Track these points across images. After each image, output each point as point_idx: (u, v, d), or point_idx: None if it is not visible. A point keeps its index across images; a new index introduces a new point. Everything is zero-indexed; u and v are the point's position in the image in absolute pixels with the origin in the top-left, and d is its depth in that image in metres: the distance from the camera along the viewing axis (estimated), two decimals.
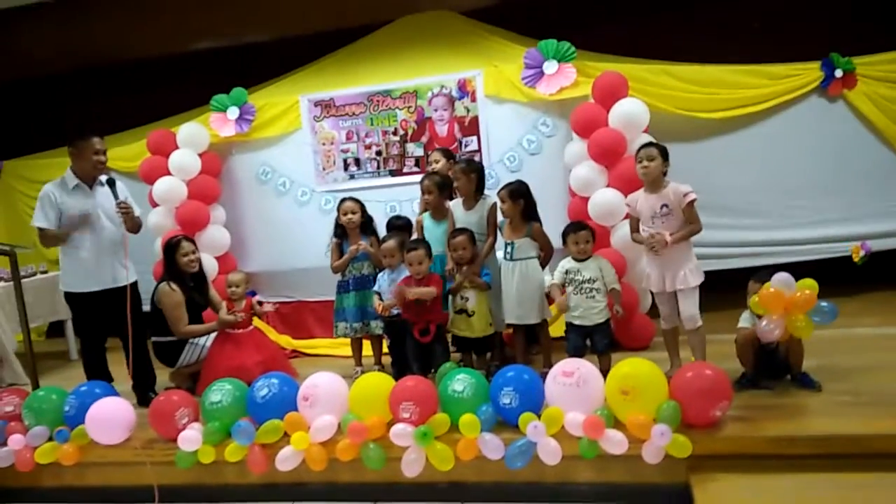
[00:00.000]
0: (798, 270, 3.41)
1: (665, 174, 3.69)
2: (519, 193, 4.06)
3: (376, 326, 4.54)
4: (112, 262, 4.31)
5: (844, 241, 4.98)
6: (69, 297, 4.35)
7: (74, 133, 4.33)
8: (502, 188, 4.11)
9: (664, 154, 3.67)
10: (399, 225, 4.72)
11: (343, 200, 4.71)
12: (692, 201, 3.57)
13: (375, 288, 4.29)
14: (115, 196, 4.29)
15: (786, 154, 5.04)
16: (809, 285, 3.30)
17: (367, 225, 4.68)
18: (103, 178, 4.34)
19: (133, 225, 4.37)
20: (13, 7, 6.29)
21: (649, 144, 3.76)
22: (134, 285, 4.37)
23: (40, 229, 4.21)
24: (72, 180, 4.26)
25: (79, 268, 4.25)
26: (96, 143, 4.28)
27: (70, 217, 4.20)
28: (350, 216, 4.59)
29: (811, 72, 4.95)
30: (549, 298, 4.13)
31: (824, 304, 3.27)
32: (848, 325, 3.44)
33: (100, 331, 4.41)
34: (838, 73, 4.88)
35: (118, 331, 4.35)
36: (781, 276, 3.33)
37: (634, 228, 3.83)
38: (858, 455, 2.83)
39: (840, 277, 4.69)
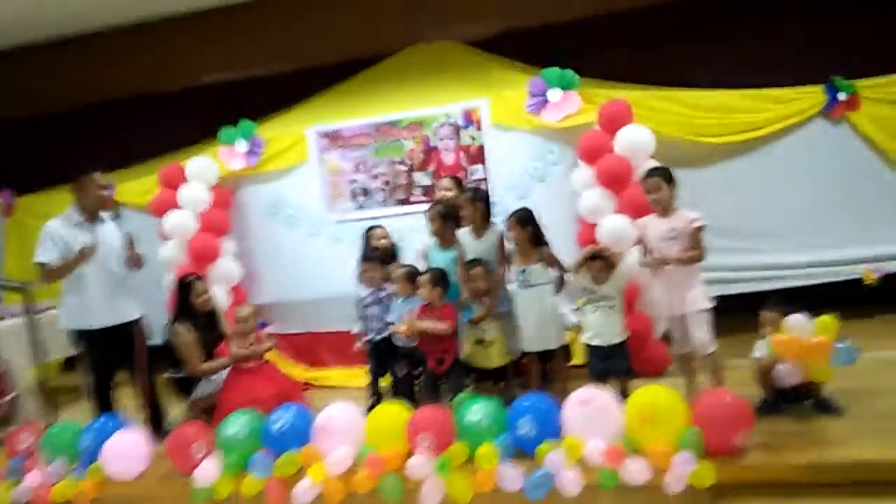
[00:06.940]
0: (811, 294, 3.40)
1: (674, 198, 3.71)
2: (525, 220, 4.09)
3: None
4: (116, 298, 4.30)
5: (855, 263, 4.96)
6: (75, 334, 4.31)
7: (76, 171, 4.33)
8: (509, 216, 4.14)
9: (668, 179, 3.69)
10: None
11: (372, 228, 4.89)
12: (698, 228, 3.59)
13: (390, 317, 4.31)
14: (121, 228, 4.37)
15: (792, 177, 5.06)
16: (828, 325, 3.29)
17: (392, 248, 4.87)
18: (106, 214, 4.36)
19: (135, 260, 4.37)
20: (23, 45, 6.39)
21: (651, 174, 3.78)
22: (140, 321, 4.38)
23: (41, 265, 4.14)
24: (75, 217, 4.26)
25: (83, 305, 4.22)
26: (98, 178, 4.29)
27: (72, 252, 4.14)
28: (383, 241, 4.82)
29: (814, 95, 4.99)
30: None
31: (842, 345, 3.26)
32: (866, 347, 3.43)
33: (107, 367, 4.37)
34: (841, 95, 4.92)
35: (127, 366, 4.36)
36: (797, 319, 3.31)
37: (645, 251, 3.85)
38: (884, 482, 2.80)
39: (856, 299, 4.68)
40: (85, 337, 4.27)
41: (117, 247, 4.31)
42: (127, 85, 6.49)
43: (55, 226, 4.21)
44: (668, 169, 3.78)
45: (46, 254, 4.14)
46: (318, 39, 6.11)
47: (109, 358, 4.33)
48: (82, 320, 4.24)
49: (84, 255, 4.13)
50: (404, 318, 4.12)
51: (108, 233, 4.33)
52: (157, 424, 4.36)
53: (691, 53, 5.62)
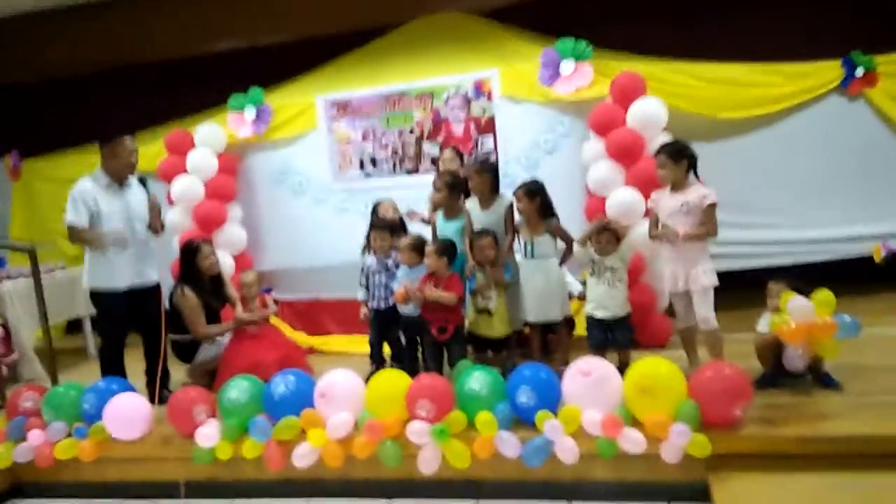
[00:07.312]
0: (818, 270, 3.36)
1: (689, 173, 3.66)
2: (534, 191, 4.07)
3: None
4: (139, 261, 4.32)
5: (865, 240, 4.91)
6: (95, 294, 4.31)
7: (107, 134, 4.31)
8: (518, 188, 4.12)
9: (675, 156, 3.62)
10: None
11: (380, 202, 4.84)
12: (711, 204, 3.54)
13: (395, 284, 4.32)
14: (148, 192, 4.37)
15: (805, 153, 4.99)
16: (826, 300, 3.25)
17: (400, 222, 4.84)
18: (134, 178, 4.38)
19: (158, 223, 4.39)
20: (33, 11, 6.36)
21: (660, 150, 3.73)
22: (158, 286, 4.41)
23: (71, 227, 4.15)
24: (102, 179, 4.24)
25: (107, 266, 4.22)
26: (129, 142, 4.29)
27: (107, 233, 4.17)
28: (391, 214, 4.77)
29: (831, 70, 4.90)
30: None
31: (847, 318, 3.22)
32: (870, 324, 3.39)
33: (122, 329, 4.41)
34: (859, 71, 4.83)
35: (140, 329, 4.39)
36: (797, 304, 3.25)
37: (654, 225, 3.81)
38: (879, 456, 2.79)
39: (862, 277, 4.63)
40: (106, 297, 4.27)
41: (143, 211, 4.33)
42: (136, 52, 6.45)
43: (85, 187, 4.19)
44: (677, 145, 3.71)
45: (77, 216, 4.14)
46: (330, 8, 6.03)
47: (125, 320, 4.35)
48: (107, 281, 4.24)
49: (116, 240, 4.17)
50: (403, 284, 4.11)
51: (135, 197, 4.35)
52: (161, 387, 4.38)
53: (706, 25, 5.53)
